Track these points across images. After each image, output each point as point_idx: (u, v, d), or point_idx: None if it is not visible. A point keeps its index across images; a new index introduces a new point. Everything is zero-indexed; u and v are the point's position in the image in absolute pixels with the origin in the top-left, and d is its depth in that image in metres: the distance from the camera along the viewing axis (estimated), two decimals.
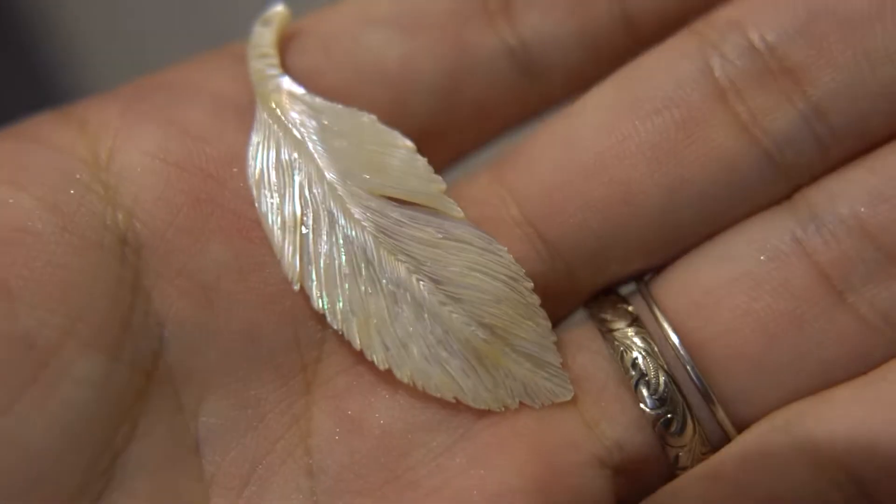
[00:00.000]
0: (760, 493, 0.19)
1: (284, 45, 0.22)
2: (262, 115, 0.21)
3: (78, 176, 0.19)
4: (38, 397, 0.18)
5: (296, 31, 0.22)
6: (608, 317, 0.21)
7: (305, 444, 0.20)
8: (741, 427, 0.20)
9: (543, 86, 0.23)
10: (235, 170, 0.20)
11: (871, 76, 0.20)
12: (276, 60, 0.21)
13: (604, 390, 0.21)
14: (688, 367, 0.20)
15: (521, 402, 0.20)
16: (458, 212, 0.21)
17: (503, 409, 0.20)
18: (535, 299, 0.20)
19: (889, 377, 0.19)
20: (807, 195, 0.21)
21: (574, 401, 0.20)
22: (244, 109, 0.21)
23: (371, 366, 0.20)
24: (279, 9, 0.22)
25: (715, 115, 0.21)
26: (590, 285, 0.22)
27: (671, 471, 0.21)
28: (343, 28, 0.22)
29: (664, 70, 0.21)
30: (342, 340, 0.20)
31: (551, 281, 0.21)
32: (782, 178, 0.21)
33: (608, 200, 0.21)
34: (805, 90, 0.20)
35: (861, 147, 0.21)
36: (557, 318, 0.21)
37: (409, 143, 0.21)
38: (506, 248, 0.20)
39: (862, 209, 0.20)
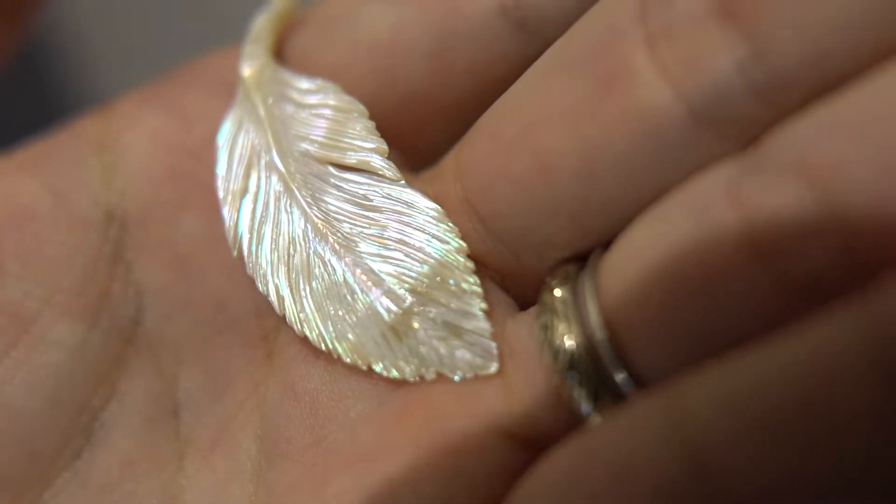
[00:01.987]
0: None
1: (289, 31, 0.22)
2: (237, 95, 0.22)
3: (85, 158, 0.22)
4: (18, 360, 0.20)
5: (302, 18, 0.23)
6: (550, 280, 0.18)
7: (261, 410, 0.20)
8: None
9: (540, 44, 0.20)
10: (214, 146, 0.21)
11: (821, 12, 0.15)
12: (266, 43, 0.22)
13: (529, 360, 0.18)
14: (600, 335, 0.17)
15: (438, 373, 0.18)
16: (396, 174, 0.20)
17: (417, 379, 0.18)
18: (465, 261, 0.19)
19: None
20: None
21: (500, 373, 0.18)
22: None
23: None
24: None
25: (639, 67, 0.17)
26: (540, 268, 0.19)
27: None
28: (343, 8, 0.22)
29: (597, 20, 0.18)
30: None
31: (496, 260, 0.19)
32: (719, 136, 0.17)
33: (528, 172, 0.18)
34: (743, 29, 0.16)
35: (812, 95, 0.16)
36: (523, 304, 0.19)
37: (360, 107, 0.20)
38: (442, 209, 0.19)
39: (803, 149, 0.15)
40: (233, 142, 0.21)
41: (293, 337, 0.20)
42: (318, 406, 0.19)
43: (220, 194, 0.21)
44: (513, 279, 0.19)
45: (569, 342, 0.17)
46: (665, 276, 0.16)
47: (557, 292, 0.18)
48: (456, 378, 0.18)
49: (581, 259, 0.18)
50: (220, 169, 0.21)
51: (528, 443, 0.18)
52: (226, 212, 0.21)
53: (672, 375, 0.16)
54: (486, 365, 0.18)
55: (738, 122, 0.16)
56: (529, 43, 0.21)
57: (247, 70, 0.22)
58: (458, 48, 0.21)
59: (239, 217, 0.20)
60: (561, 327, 0.17)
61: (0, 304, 0.20)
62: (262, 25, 0.22)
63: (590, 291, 0.17)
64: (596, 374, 0.17)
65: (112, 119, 0.22)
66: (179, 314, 0.21)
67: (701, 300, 0.16)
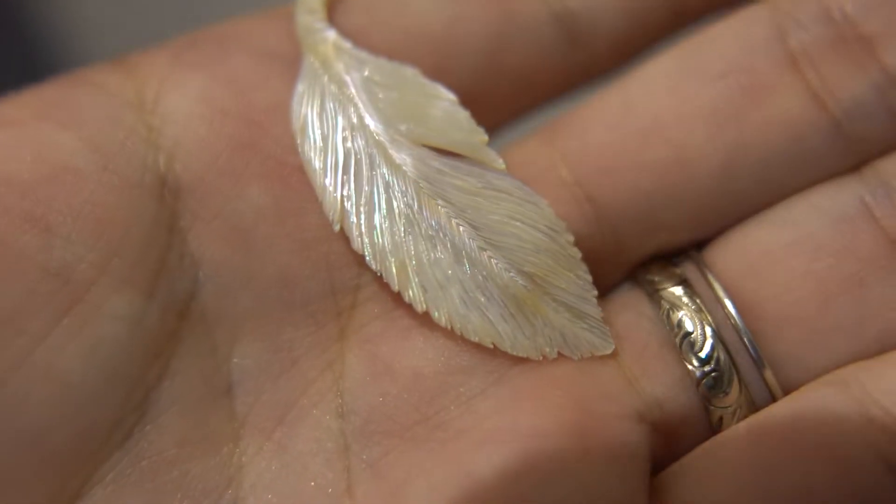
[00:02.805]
0: (810, 447, 0.18)
1: (330, 6, 0.22)
2: (308, 65, 0.21)
3: (123, 117, 0.20)
4: (73, 330, 0.18)
5: None
6: (655, 278, 0.21)
7: (337, 387, 0.20)
8: (790, 391, 0.19)
9: (587, 55, 0.22)
10: (278, 118, 0.21)
11: None
12: (323, 16, 0.22)
13: (646, 349, 0.20)
14: (738, 327, 0.19)
15: (559, 353, 0.19)
16: (500, 163, 0.20)
17: (541, 357, 0.19)
18: (577, 252, 0.20)
19: None
20: (876, 165, 0.20)
21: (614, 356, 0.20)
22: (290, 62, 0.21)
23: (407, 311, 0.20)
24: None
25: (783, 81, 0.20)
26: (636, 253, 0.21)
27: (713, 433, 0.20)
28: None
29: (733, 37, 0.21)
30: (377, 288, 0.20)
31: (596, 244, 0.21)
32: (851, 150, 0.20)
33: (663, 162, 0.20)
34: (880, 59, 0.20)
35: None
36: (602, 287, 0.21)
37: (451, 96, 0.21)
38: (546, 201, 0.20)
39: None
40: (316, 115, 0.20)
41: (375, 314, 0.20)
42: (422, 383, 0.19)
43: (316, 167, 0.20)
44: (604, 259, 0.21)
45: (710, 336, 0.19)
46: (810, 278, 0.19)
47: (678, 290, 0.20)
48: (576, 357, 0.19)
49: (678, 250, 0.21)
50: (309, 142, 0.20)
51: (657, 427, 0.20)
52: (327, 185, 0.20)
53: (809, 369, 0.19)
54: (604, 346, 0.20)
55: (870, 139, 0.20)
56: (576, 52, 0.22)
57: (315, 44, 0.21)
58: (510, 50, 0.22)
59: (341, 192, 0.20)
60: (695, 321, 0.20)
61: (46, 266, 0.18)
62: None
63: (717, 286, 0.20)
64: (732, 367, 0.19)
65: (143, 78, 0.21)
66: (239, 289, 0.20)
67: (848, 301, 0.19)
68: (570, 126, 0.21)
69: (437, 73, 0.22)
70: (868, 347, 0.19)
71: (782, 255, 0.20)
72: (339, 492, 0.19)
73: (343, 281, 0.20)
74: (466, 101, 0.21)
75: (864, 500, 0.18)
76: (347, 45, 0.21)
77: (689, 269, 0.20)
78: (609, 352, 0.20)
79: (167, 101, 0.20)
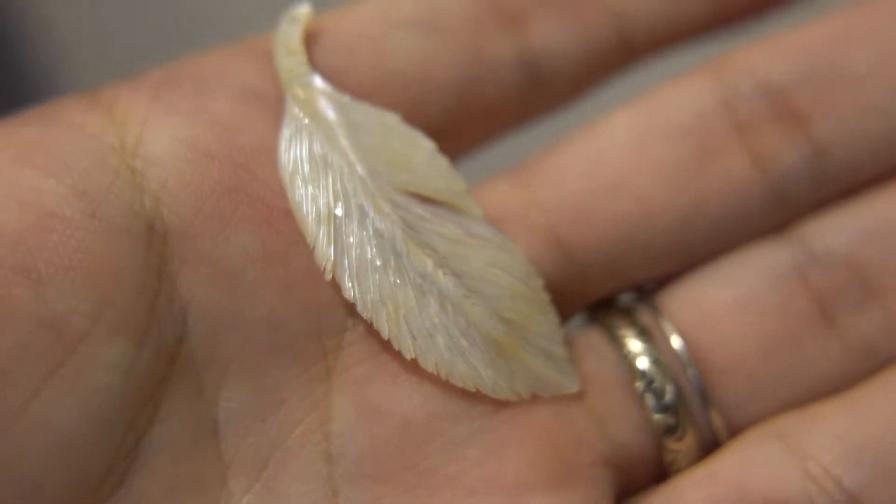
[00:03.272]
0: (757, 496, 0.20)
1: (308, 43, 0.22)
2: (292, 110, 0.21)
3: (106, 161, 0.20)
4: (67, 382, 0.18)
5: (318, 29, 0.23)
6: (617, 325, 0.22)
7: (325, 430, 0.20)
8: (732, 433, 0.22)
9: (545, 93, 0.24)
10: (264, 160, 0.21)
11: (867, 126, 0.22)
12: (304, 58, 0.22)
13: (610, 392, 0.22)
14: (691, 378, 0.22)
15: (532, 393, 0.21)
16: (478, 210, 0.21)
17: (517, 398, 0.21)
18: (547, 296, 0.21)
19: (870, 394, 0.21)
20: (801, 228, 0.23)
21: (583, 399, 0.21)
22: (270, 103, 0.21)
23: (393, 355, 0.20)
24: (305, 9, 0.22)
25: (731, 146, 0.23)
26: (598, 292, 0.23)
27: (662, 471, 0.22)
28: (366, 28, 0.23)
29: (688, 100, 0.23)
30: (363, 331, 0.21)
31: (563, 284, 0.22)
32: (780, 209, 0.23)
33: (629, 214, 0.22)
34: (808, 132, 0.23)
35: (852, 186, 0.23)
36: (563, 318, 0.22)
37: (431, 143, 0.21)
38: (520, 247, 0.21)
39: (851, 246, 0.22)
40: (305, 161, 0.21)
41: (362, 357, 0.21)
42: (410, 428, 0.20)
43: (307, 215, 0.20)
44: (568, 298, 0.22)
45: (669, 385, 0.22)
46: (753, 334, 0.22)
47: (639, 340, 0.22)
48: (546, 396, 0.21)
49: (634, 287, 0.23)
50: (299, 189, 0.21)
51: (618, 470, 0.21)
52: (317, 234, 0.20)
53: (751, 414, 0.22)
54: (571, 385, 0.21)
55: (798, 200, 0.23)
56: (537, 90, 0.24)
57: (298, 88, 0.21)
58: (478, 89, 0.23)
59: (334, 241, 0.20)
60: (656, 371, 0.22)
61: (40, 319, 0.18)
62: (290, 35, 0.22)
63: (674, 337, 0.22)
64: (688, 414, 0.22)
65: (122, 119, 0.21)
66: (227, 332, 0.20)
67: (785, 355, 0.22)
68: (542, 172, 0.23)
69: (411, 109, 0.22)
70: (802, 396, 0.22)
71: (729, 312, 0.22)
72: None
73: (330, 323, 0.21)
74: (436, 135, 0.22)
75: None
76: (330, 89, 0.22)
77: (645, 316, 0.22)
78: (575, 390, 0.21)
79: (150, 143, 0.20)
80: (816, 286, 0.22)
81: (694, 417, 0.22)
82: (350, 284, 0.20)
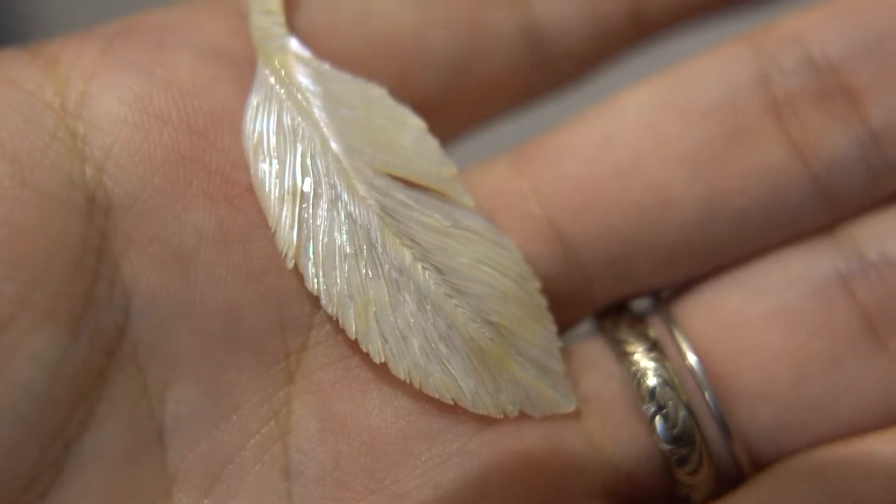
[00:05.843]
0: None
1: (287, 4, 0.20)
2: (263, 75, 0.19)
3: (42, 121, 0.17)
4: None
5: None
6: (624, 337, 0.20)
7: (284, 442, 0.18)
8: (759, 464, 0.19)
9: (550, 69, 0.22)
10: (225, 128, 0.18)
11: None
12: (281, 19, 0.19)
13: (613, 413, 0.19)
14: (709, 402, 0.19)
15: (520, 410, 0.18)
16: (469, 200, 0.19)
17: (502, 415, 0.18)
18: (544, 301, 0.19)
19: None
20: (852, 230, 0.19)
21: (580, 420, 0.19)
22: (239, 65, 0.19)
23: (364, 359, 0.18)
24: None
25: (766, 128, 0.19)
26: (605, 295, 0.20)
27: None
28: None
29: (717, 75, 0.20)
30: (332, 329, 0.18)
31: (564, 285, 0.20)
32: (827, 205, 0.19)
33: (641, 204, 0.19)
34: (863, 115, 0.19)
35: None
36: (565, 326, 0.20)
37: (420, 122, 0.19)
38: (514, 244, 0.19)
39: None
40: (273, 133, 0.18)
41: (329, 360, 0.18)
42: (379, 445, 0.18)
43: (269, 193, 0.18)
44: (569, 302, 0.20)
45: (682, 411, 0.19)
46: (786, 354, 0.19)
47: (649, 357, 0.19)
48: (537, 415, 0.18)
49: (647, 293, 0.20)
50: (263, 163, 0.18)
51: (622, 497, 0.19)
52: (282, 214, 0.18)
53: (780, 446, 0.18)
54: (567, 404, 0.19)
55: (848, 196, 0.19)
56: (541, 65, 0.21)
57: (272, 51, 0.19)
58: (478, 63, 0.21)
59: (298, 223, 0.18)
60: (667, 395, 0.19)
61: None
62: None
63: (689, 355, 0.19)
64: (703, 444, 0.19)
65: (65, 73, 0.18)
66: (176, 323, 0.18)
67: (823, 380, 0.19)
68: (542, 156, 0.20)
69: (400, 81, 0.20)
70: (839, 428, 0.19)
71: (758, 327, 0.19)
72: None
73: (294, 318, 0.18)
74: (428, 110, 0.20)
75: None
76: (307, 54, 0.19)
77: (658, 328, 0.20)
78: (571, 410, 0.19)
79: (95, 103, 0.18)
80: (865, 300, 0.19)
81: (711, 448, 0.19)
82: (314, 273, 0.18)
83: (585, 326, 0.21)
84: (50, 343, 0.16)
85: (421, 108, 0.20)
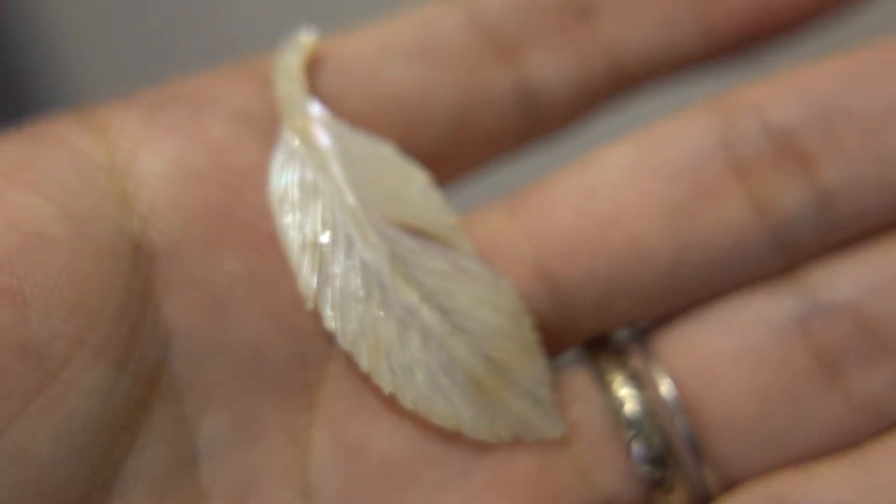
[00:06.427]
0: None
1: (309, 69, 0.22)
2: (287, 136, 0.21)
3: (96, 181, 0.20)
4: (45, 409, 0.18)
5: (319, 54, 0.22)
6: (606, 367, 0.22)
7: (303, 464, 0.20)
8: (728, 487, 0.21)
9: (540, 122, 0.24)
10: (253, 182, 0.21)
11: (878, 172, 0.21)
12: (304, 85, 0.22)
13: (598, 440, 0.21)
14: (682, 429, 0.21)
15: (515, 437, 0.20)
16: (469, 246, 0.21)
17: (498, 440, 0.20)
18: (535, 336, 0.21)
19: (873, 458, 0.20)
20: (807, 276, 0.22)
21: (568, 446, 0.21)
22: (265, 127, 0.21)
23: (375, 391, 0.20)
24: (310, 36, 0.22)
25: (729, 187, 0.22)
26: (589, 329, 0.22)
27: None
28: (365, 55, 0.23)
29: (685, 137, 0.22)
30: (347, 363, 0.20)
31: (553, 321, 0.22)
32: (783, 254, 0.22)
33: (620, 252, 0.21)
34: (815, 176, 0.21)
35: (859, 234, 0.22)
36: (553, 354, 0.22)
37: (425, 176, 0.21)
38: (510, 285, 0.21)
39: (858, 298, 0.21)
40: (296, 187, 0.21)
41: (344, 391, 0.20)
42: (389, 468, 0.20)
43: (293, 241, 0.20)
44: (556, 335, 0.22)
45: (657, 437, 0.21)
46: (752, 391, 0.21)
47: (628, 388, 0.21)
48: (528, 440, 0.20)
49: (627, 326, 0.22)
50: (287, 215, 0.20)
51: None
52: (301, 262, 0.20)
53: (745, 471, 0.21)
54: (555, 430, 0.21)
55: (803, 245, 0.22)
56: (532, 120, 0.24)
57: (295, 115, 0.21)
58: (474, 119, 0.23)
59: (318, 270, 0.20)
60: (645, 421, 0.21)
61: (23, 343, 0.18)
62: (292, 61, 0.22)
63: (665, 386, 0.21)
64: (677, 463, 0.21)
65: (114, 139, 0.20)
66: (210, 358, 0.20)
67: (783, 414, 0.21)
68: (533, 205, 0.22)
69: (406, 136, 0.22)
70: (798, 456, 0.21)
71: (726, 362, 0.21)
72: None
73: (313, 353, 0.20)
74: (430, 162, 0.22)
75: None
76: (327, 115, 0.21)
77: (638, 360, 0.22)
78: (559, 435, 0.21)
79: (141, 164, 0.20)
80: (819, 339, 0.21)
81: (684, 470, 0.21)
82: (332, 314, 0.20)
83: (571, 353, 0.23)
84: (101, 378, 0.18)
85: (425, 158, 0.22)
